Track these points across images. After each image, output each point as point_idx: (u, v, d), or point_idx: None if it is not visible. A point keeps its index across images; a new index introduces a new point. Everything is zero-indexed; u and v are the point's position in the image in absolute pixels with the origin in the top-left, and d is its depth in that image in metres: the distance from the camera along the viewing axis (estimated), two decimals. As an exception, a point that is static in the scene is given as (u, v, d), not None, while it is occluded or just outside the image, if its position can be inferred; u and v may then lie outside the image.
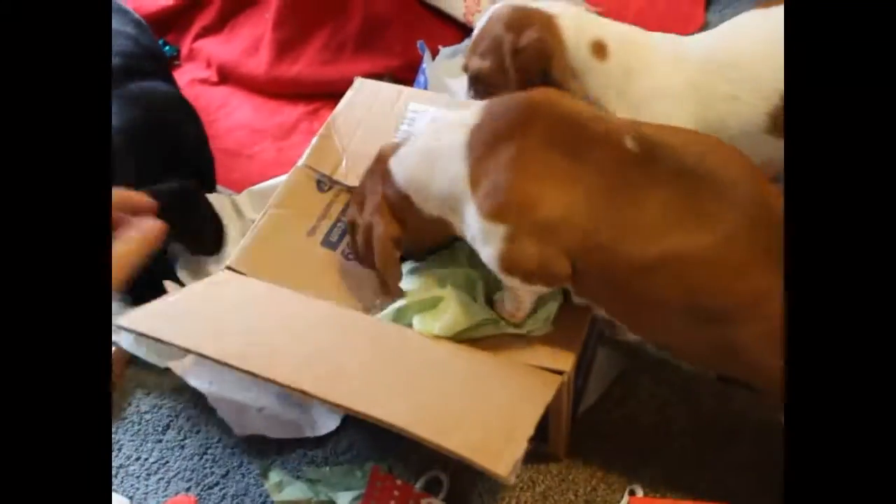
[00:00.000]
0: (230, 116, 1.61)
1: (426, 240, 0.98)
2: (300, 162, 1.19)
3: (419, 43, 1.45)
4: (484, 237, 0.84)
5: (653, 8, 1.66)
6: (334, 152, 1.19)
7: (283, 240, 1.11)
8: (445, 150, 0.88)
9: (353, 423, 1.12)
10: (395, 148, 0.97)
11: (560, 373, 0.88)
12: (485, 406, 0.83)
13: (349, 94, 1.25)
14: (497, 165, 0.83)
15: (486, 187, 0.83)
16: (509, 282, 0.87)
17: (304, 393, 0.80)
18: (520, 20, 1.08)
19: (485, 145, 0.85)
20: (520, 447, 0.74)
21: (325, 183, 1.18)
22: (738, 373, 0.88)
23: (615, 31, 1.10)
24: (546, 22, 1.08)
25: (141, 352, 1.21)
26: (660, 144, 0.81)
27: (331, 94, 1.58)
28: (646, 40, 1.11)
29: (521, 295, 0.90)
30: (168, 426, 1.17)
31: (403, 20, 1.60)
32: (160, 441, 1.16)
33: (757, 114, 1.06)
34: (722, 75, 1.06)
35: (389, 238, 0.92)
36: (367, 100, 1.24)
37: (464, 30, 1.61)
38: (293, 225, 1.14)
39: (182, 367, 1.16)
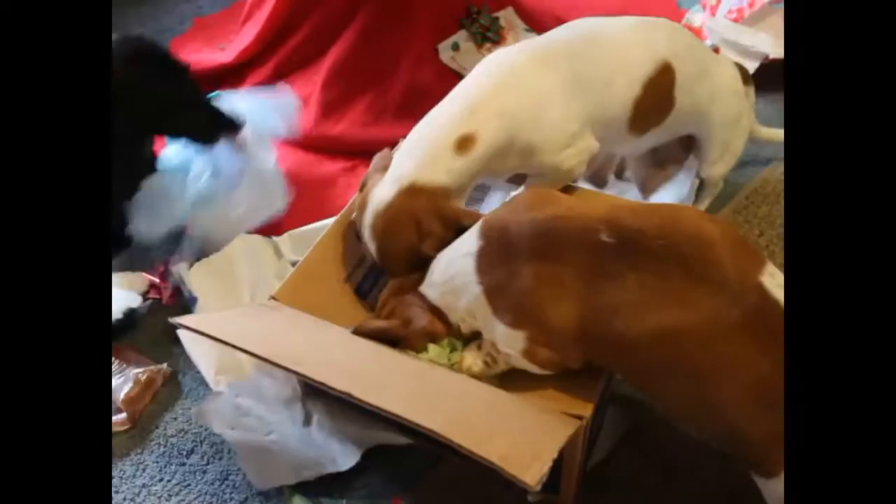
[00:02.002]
0: (274, 167, 1.71)
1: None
2: (342, 213, 1.27)
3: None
4: (507, 341, 0.99)
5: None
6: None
7: (320, 282, 1.20)
8: (459, 278, 1.03)
9: (373, 462, 1.16)
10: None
11: (580, 417, 0.93)
12: (511, 428, 0.90)
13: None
14: (506, 284, 0.98)
15: (503, 304, 0.99)
16: (533, 369, 1.00)
17: (350, 396, 0.88)
18: (379, 227, 1.11)
19: (489, 269, 1.00)
20: (546, 463, 0.80)
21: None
22: (718, 432, 0.93)
23: (460, 119, 1.11)
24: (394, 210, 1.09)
25: (199, 357, 1.27)
26: (634, 232, 0.91)
27: (369, 152, 1.69)
28: (496, 81, 1.12)
29: (514, 363, 1.02)
30: (192, 451, 1.22)
31: (442, 91, 1.70)
32: (183, 464, 1.20)
33: (625, 103, 1.17)
34: (595, 58, 1.15)
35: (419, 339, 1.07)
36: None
37: (498, 104, 1.72)
38: (330, 270, 1.22)
39: (203, 413, 1.20)
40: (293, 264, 1.40)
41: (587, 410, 0.95)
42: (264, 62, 1.86)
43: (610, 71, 1.17)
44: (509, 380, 1.03)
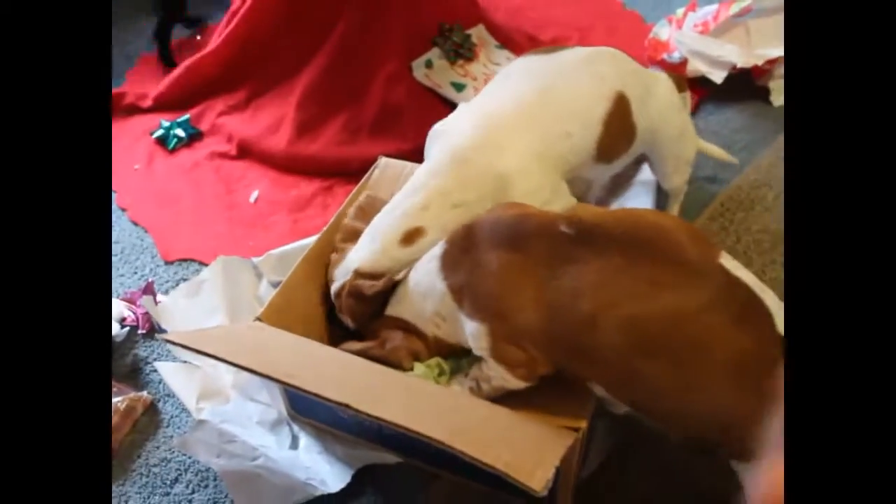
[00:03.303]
0: (248, 188, 1.69)
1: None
2: (322, 232, 1.27)
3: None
4: (476, 334, 1.00)
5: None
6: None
7: (303, 303, 1.20)
8: (425, 280, 1.06)
9: (364, 483, 1.14)
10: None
11: (576, 430, 0.93)
12: (511, 438, 0.90)
13: (375, 172, 1.35)
14: (468, 276, 1.00)
15: (467, 297, 1.00)
16: (497, 370, 1.00)
17: (348, 407, 0.87)
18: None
19: (453, 266, 1.03)
20: (549, 470, 0.80)
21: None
22: (695, 417, 0.92)
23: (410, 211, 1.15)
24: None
25: (179, 387, 1.24)
26: (592, 224, 0.94)
27: (345, 172, 1.69)
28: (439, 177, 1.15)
29: (496, 385, 1.02)
30: (176, 480, 1.18)
31: (416, 108, 1.72)
32: (168, 494, 1.17)
33: (589, 142, 1.20)
34: (546, 119, 1.17)
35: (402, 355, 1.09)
36: (390, 179, 1.33)
37: (473, 120, 1.73)
38: (312, 291, 1.22)
39: (187, 443, 1.17)
40: (274, 285, 1.38)
41: (582, 423, 0.95)
42: (239, 84, 1.84)
43: (565, 125, 1.19)
44: (501, 399, 1.02)
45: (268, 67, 1.82)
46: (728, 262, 0.91)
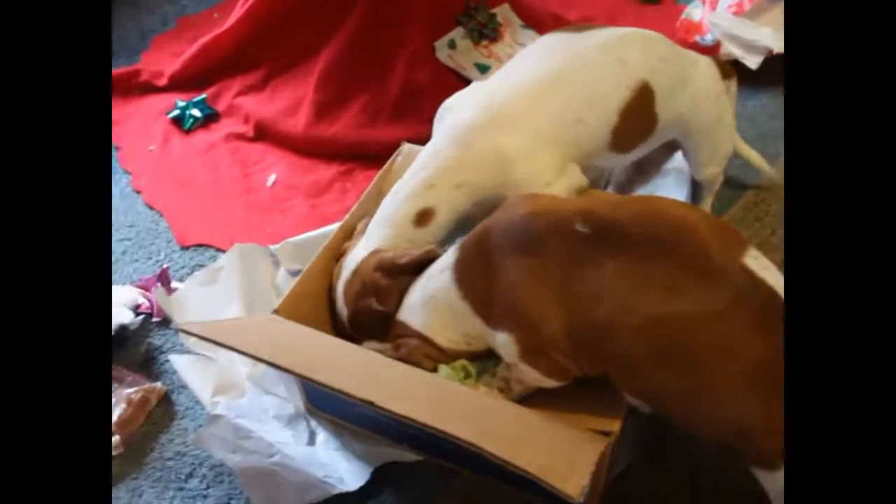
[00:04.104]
0: (265, 172, 1.65)
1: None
2: (344, 221, 1.22)
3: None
4: (505, 344, 0.97)
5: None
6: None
7: (322, 296, 1.16)
8: (441, 296, 1.01)
9: (382, 481, 1.11)
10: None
11: (607, 433, 0.89)
12: (543, 441, 0.87)
13: (398, 159, 1.30)
14: (488, 289, 0.96)
15: (485, 308, 0.97)
16: (530, 373, 0.96)
17: (371, 404, 0.84)
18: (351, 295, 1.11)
19: (469, 279, 0.99)
20: (584, 476, 0.76)
21: None
22: (716, 426, 0.89)
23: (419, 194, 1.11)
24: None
25: (194, 380, 1.21)
26: (609, 222, 0.89)
27: (365, 155, 1.64)
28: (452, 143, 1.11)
29: (529, 385, 0.99)
30: (191, 474, 1.15)
31: (439, 89, 1.65)
32: (182, 489, 1.14)
33: (603, 132, 1.14)
34: (558, 103, 1.12)
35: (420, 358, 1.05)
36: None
37: (497, 103, 1.67)
38: (328, 283, 1.18)
39: (202, 438, 1.14)
40: (292, 274, 1.34)
41: (614, 426, 0.91)
42: (256, 63, 1.79)
43: (578, 111, 1.13)
44: (531, 400, 0.99)
45: (286, 46, 1.77)
46: (754, 261, 0.86)
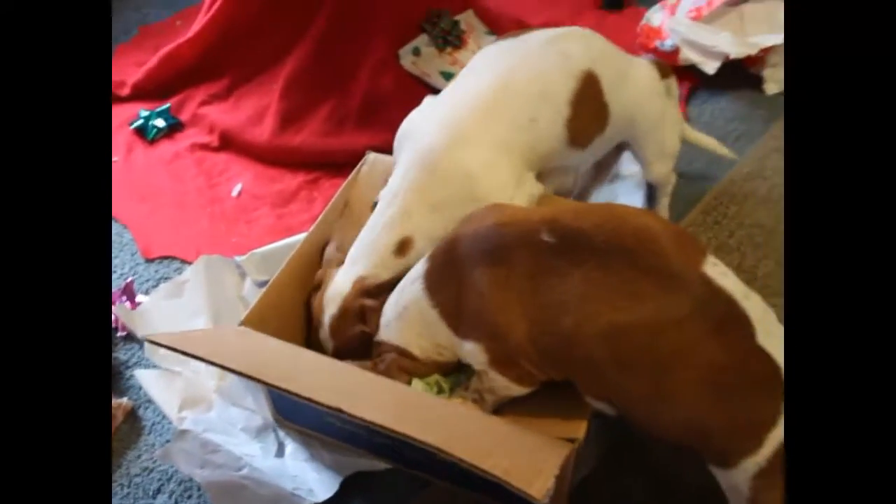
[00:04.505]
0: (231, 182, 1.64)
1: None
2: (310, 231, 1.22)
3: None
4: (473, 353, 0.99)
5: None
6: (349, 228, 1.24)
7: (290, 307, 1.17)
8: (413, 307, 1.03)
9: (352, 492, 1.11)
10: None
11: (572, 440, 0.91)
12: (509, 446, 0.89)
13: (363, 168, 1.31)
14: (457, 298, 0.98)
15: (454, 318, 0.99)
16: (499, 380, 0.98)
17: (341, 412, 0.86)
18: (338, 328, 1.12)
19: (438, 286, 1.00)
20: (549, 478, 0.79)
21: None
22: (672, 424, 0.92)
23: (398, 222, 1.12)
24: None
25: (160, 395, 1.20)
26: (575, 231, 0.92)
27: (331, 164, 1.65)
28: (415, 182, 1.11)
29: (500, 394, 1.01)
30: (159, 490, 1.15)
31: (404, 97, 1.66)
32: (150, 505, 1.13)
33: (557, 125, 1.15)
34: (510, 106, 1.13)
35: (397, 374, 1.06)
36: (379, 175, 1.29)
37: (462, 110, 1.68)
38: (298, 295, 1.19)
39: (168, 454, 1.13)
40: (259, 285, 1.34)
41: (579, 432, 0.92)
42: (221, 72, 1.78)
43: (530, 110, 1.14)
44: (498, 409, 1.01)
45: (250, 55, 1.76)
46: (713, 267, 0.89)
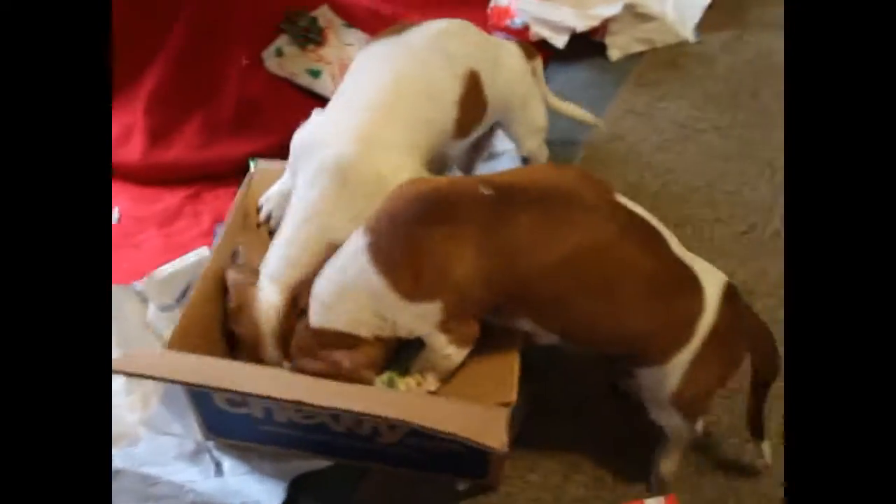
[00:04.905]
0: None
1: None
2: (218, 246, 1.22)
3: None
4: (423, 319, 1.02)
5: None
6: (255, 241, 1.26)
7: (212, 323, 1.16)
8: (359, 281, 1.02)
9: (300, 493, 1.14)
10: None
11: (507, 404, 0.99)
12: (456, 413, 0.98)
13: (255, 177, 1.31)
14: (408, 261, 1.00)
15: (409, 282, 1.00)
16: (440, 342, 1.05)
17: (300, 403, 0.94)
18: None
19: (386, 255, 1.01)
20: (501, 431, 0.92)
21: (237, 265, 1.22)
22: (621, 335, 1.04)
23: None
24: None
25: None
26: (507, 184, 1.03)
27: (210, 175, 1.62)
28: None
29: (442, 367, 1.08)
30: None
31: (275, 100, 1.68)
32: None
33: (447, 124, 1.26)
34: (406, 112, 1.20)
35: (363, 370, 1.07)
36: (271, 182, 1.30)
37: (334, 106, 1.71)
38: (217, 311, 1.18)
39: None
40: (163, 309, 1.31)
41: (512, 395, 1.01)
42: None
43: (425, 111, 1.21)
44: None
45: (103, 73, 1.68)
46: (620, 198, 1.04)
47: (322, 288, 1.06)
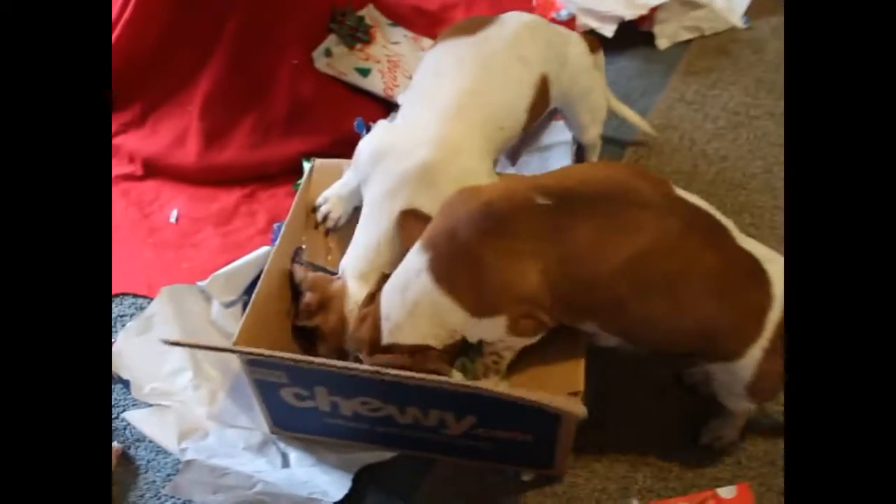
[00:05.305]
0: (165, 209, 1.61)
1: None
2: (279, 244, 1.23)
3: (357, 121, 1.53)
4: (494, 326, 1.03)
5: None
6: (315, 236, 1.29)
7: (276, 319, 1.19)
8: (424, 299, 1.02)
9: (366, 485, 1.15)
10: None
11: (576, 393, 0.99)
12: (530, 393, 0.98)
13: (313, 175, 1.33)
14: (470, 279, 1.01)
15: (473, 300, 1.01)
16: (523, 342, 1.05)
17: (378, 374, 0.98)
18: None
19: (447, 274, 1.01)
20: (579, 406, 0.95)
21: (300, 264, 1.25)
22: (686, 335, 1.03)
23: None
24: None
25: (155, 431, 1.20)
26: (564, 190, 1.01)
27: (264, 175, 1.64)
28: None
29: (506, 355, 1.08)
30: (164, 533, 1.14)
31: (326, 99, 1.69)
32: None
33: (517, 129, 1.27)
34: (486, 116, 1.20)
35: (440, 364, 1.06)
36: (331, 180, 1.32)
37: (384, 103, 1.72)
38: (280, 306, 1.21)
39: (179, 486, 1.13)
40: (227, 306, 1.34)
41: (580, 385, 1.01)
42: (130, 99, 1.72)
43: (499, 120, 1.23)
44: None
45: (159, 77, 1.72)
46: (680, 192, 1.02)
47: (390, 308, 1.05)
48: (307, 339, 1.18)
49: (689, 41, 1.93)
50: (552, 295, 0.99)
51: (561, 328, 1.06)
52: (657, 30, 1.91)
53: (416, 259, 1.04)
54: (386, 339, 1.05)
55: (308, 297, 1.16)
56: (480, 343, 1.06)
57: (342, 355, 1.14)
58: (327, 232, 1.31)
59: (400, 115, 1.28)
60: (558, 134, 1.59)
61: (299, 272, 1.20)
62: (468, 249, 1.00)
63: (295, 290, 1.22)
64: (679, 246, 0.98)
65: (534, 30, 1.30)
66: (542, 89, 1.28)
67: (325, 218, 1.30)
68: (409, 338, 1.04)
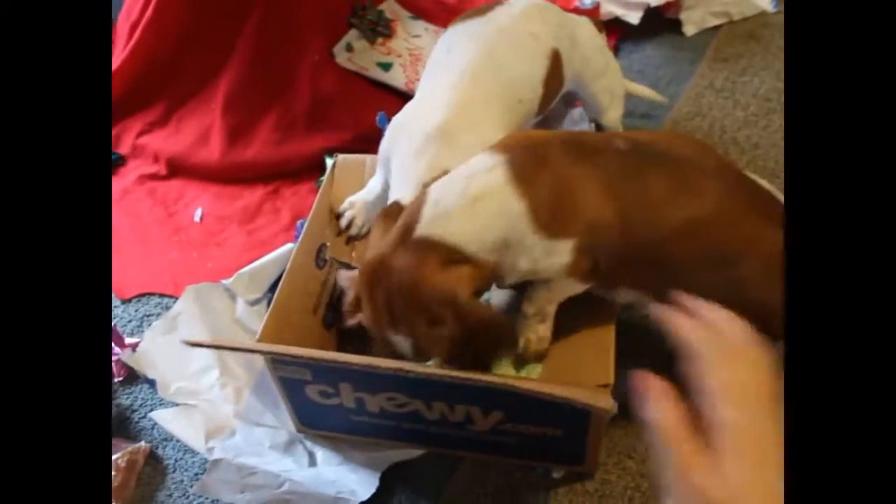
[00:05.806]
0: (190, 207, 1.61)
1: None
2: (302, 240, 1.22)
3: (379, 115, 1.52)
4: (551, 253, 0.94)
5: None
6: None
7: (300, 315, 1.18)
8: (487, 193, 0.92)
9: (393, 484, 1.14)
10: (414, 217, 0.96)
11: (606, 385, 0.96)
12: (558, 388, 0.94)
13: (335, 171, 1.32)
14: (550, 191, 0.93)
15: (546, 213, 0.92)
16: (565, 282, 0.99)
17: (400, 370, 0.95)
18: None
19: (527, 178, 0.92)
20: (608, 395, 0.91)
21: (322, 260, 1.24)
22: (740, 313, 0.98)
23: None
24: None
25: (182, 431, 1.19)
26: (641, 142, 1.00)
27: (287, 172, 1.64)
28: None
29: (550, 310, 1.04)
30: (191, 535, 1.14)
31: (348, 94, 1.68)
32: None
33: (534, 103, 1.25)
34: (504, 87, 1.19)
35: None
36: (354, 174, 1.30)
37: (406, 98, 1.69)
38: (304, 302, 1.20)
39: (207, 485, 1.12)
40: (251, 304, 1.33)
41: (609, 378, 0.98)
42: (153, 98, 1.73)
43: (517, 92, 1.21)
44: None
45: (183, 76, 1.72)
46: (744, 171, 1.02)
47: (444, 194, 0.92)
48: (358, 341, 1.14)
49: (717, 27, 1.88)
50: (618, 233, 0.95)
51: (593, 307, 1.04)
52: (684, 16, 1.86)
53: (487, 158, 0.94)
54: (421, 228, 0.91)
55: (349, 295, 1.13)
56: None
57: (394, 354, 1.10)
58: (348, 240, 1.30)
59: (417, 93, 1.27)
60: (577, 123, 1.56)
61: (345, 273, 1.19)
62: (553, 161, 0.93)
63: (331, 297, 1.22)
64: (741, 222, 0.96)
65: (542, 9, 1.30)
66: (556, 63, 1.26)
67: (350, 224, 1.29)
68: (451, 233, 0.91)
